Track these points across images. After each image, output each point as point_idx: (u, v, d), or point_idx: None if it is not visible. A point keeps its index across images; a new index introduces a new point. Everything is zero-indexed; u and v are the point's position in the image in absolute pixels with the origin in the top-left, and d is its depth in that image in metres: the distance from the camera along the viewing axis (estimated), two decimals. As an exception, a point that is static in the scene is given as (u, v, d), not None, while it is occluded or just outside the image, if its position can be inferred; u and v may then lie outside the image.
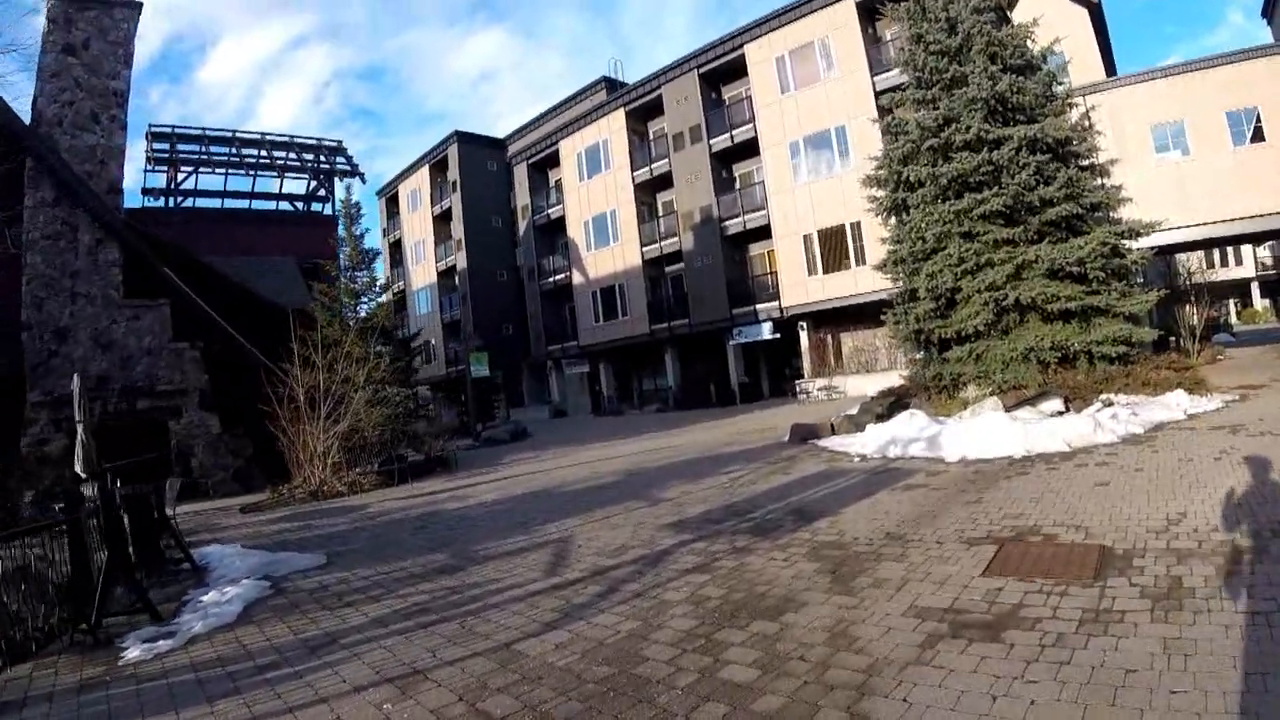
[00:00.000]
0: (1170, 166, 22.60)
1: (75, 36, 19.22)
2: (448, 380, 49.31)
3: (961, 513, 7.12)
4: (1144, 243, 15.98)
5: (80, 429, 8.92)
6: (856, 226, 27.96)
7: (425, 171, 52.87)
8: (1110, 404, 12.34)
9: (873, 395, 19.43)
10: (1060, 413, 12.50)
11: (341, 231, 22.68)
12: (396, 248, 58.22)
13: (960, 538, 6.20)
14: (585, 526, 9.03)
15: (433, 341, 50.64)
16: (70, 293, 18.74)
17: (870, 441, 12.09)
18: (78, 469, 7.94)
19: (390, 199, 59.31)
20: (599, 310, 38.71)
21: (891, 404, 15.84)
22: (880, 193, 17.81)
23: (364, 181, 35.89)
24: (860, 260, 27.93)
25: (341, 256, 21.83)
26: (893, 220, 17.95)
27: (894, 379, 23.70)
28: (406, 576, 7.55)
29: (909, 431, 11.67)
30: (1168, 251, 23.39)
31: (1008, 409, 12.83)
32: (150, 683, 5.10)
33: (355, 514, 13.09)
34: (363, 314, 20.95)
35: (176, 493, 12.89)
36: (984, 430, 10.72)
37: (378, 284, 22.28)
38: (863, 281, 27.46)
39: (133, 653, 5.79)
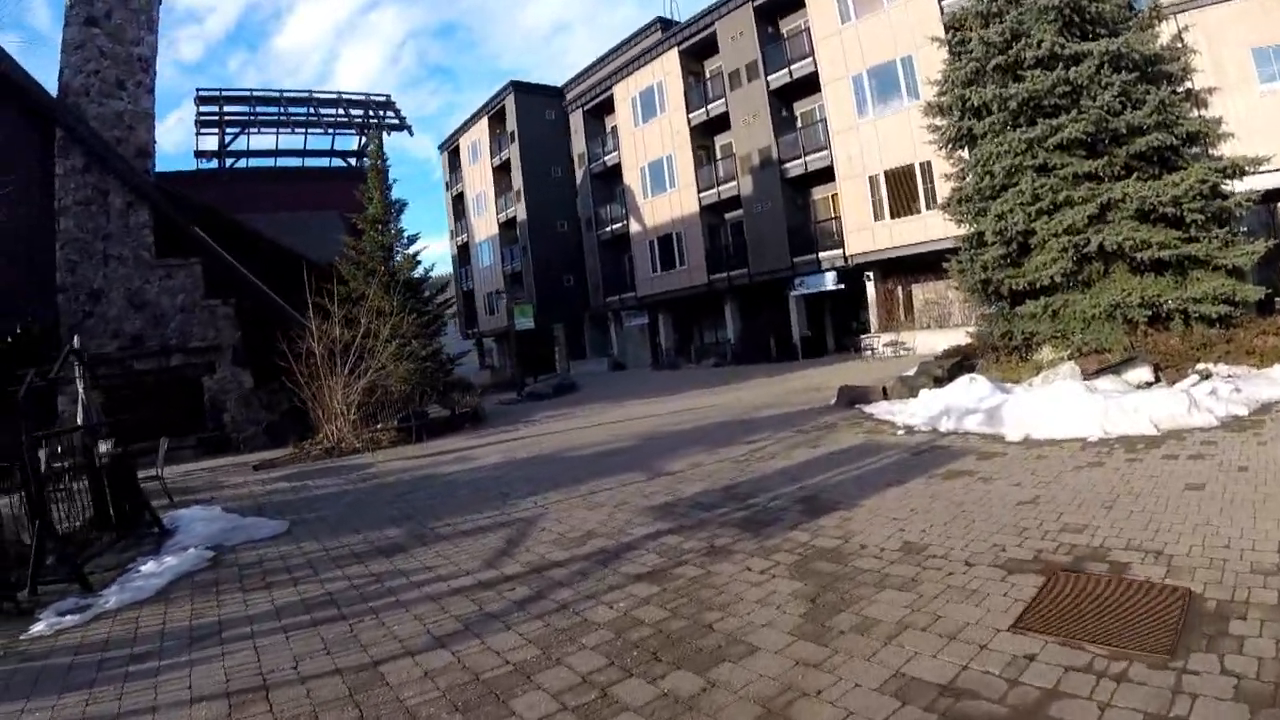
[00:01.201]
0: (1277, 98, 19.57)
1: (97, 8, 19.52)
2: (510, 332, 48.74)
3: (1008, 517, 5.51)
4: (1246, 184, 13.53)
5: (80, 388, 9.55)
6: (927, 166, 25.58)
7: (484, 123, 51.75)
8: (1208, 375, 10.27)
9: (939, 354, 17.55)
10: (1149, 384, 10.57)
11: (370, 183, 21.44)
12: (459, 201, 57.62)
13: (998, 557, 4.62)
14: (564, 504, 7.78)
15: (496, 293, 50.14)
16: (103, 255, 19.00)
17: (921, 410, 10.42)
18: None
19: (452, 152, 58.50)
20: (656, 260, 37.21)
21: (954, 366, 14.03)
22: (942, 121, 15.63)
23: (411, 134, 34.79)
24: (931, 203, 25.54)
25: (370, 209, 20.68)
26: (957, 154, 15.81)
27: (967, 336, 21.82)
28: (346, 555, 6.86)
29: (966, 400, 9.92)
30: (1274, 198, 20.39)
31: (1087, 376, 10.95)
32: (29, 663, 4.85)
33: (356, 474, 12.28)
34: (393, 268, 19.86)
35: (165, 452, 12.35)
36: (1054, 403, 8.91)
37: (405, 236, 21.03)
38: (934, 227, 25.14)
39: (39, 626, 5.60)
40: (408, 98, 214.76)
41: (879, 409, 11.79)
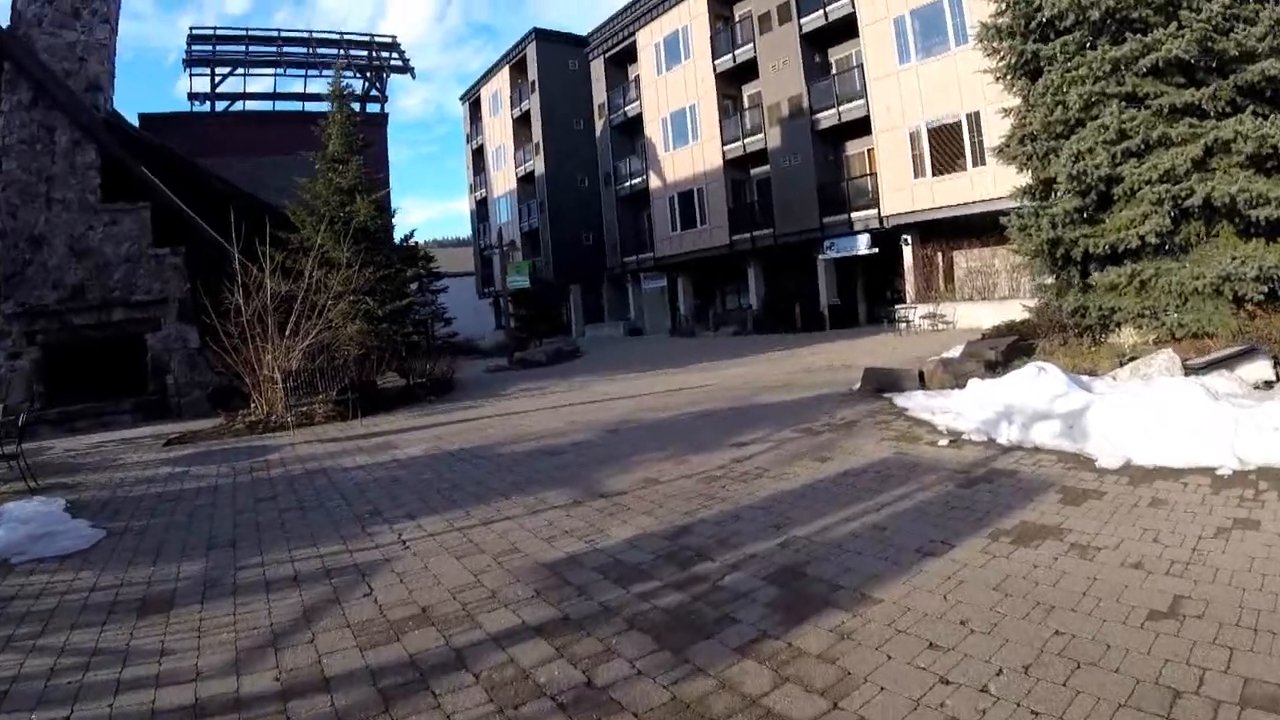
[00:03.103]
0: None
1: (51, -67, 17.61)
2: (512, 293, 46.45)
3: (1138, 651, 2.89)
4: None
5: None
6: (974, 119, 22.46)
7: (505, 73, 48.95)
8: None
9: (986, 332, 14.77)
10: (1267, 383, 7.82)
11: (331, 119, 18.61)
12: (479, 155, 55.14)
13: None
14: (434, 542, 5.29)
15: (513, 250, 47.76)
16: (46, 198, 17.10)
17: (971, 408, 7.68)
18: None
19: (473, 104, 55.85)
20: (676, 217, 34.42)
21: (1010, 347, 11.26)
22: (1001, 45, 12.56)
23: (414, 77, 32.09)
24: (979, 159, 22.49)
25: (330, 146, 17.95)
26: (1018, 86, 12.81)
27: (1016, 311, 19.07)
28: (102, 605, 4.62)
29: (1036, 399, 7.13)
30: None
31: (1188, 370, 8.18)
32: None
33: (250, 460, 9.95)
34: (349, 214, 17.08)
35: (23, 420, 10.18)
36: (1161, 410, 6.15)
37: (366, 181, 18.02)
38: (981, 186, 22.15)
39: None
40: (451, 56, 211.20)
41: (914, 402, 9.05)
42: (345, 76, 32.80)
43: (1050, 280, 13.02)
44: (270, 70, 32.27)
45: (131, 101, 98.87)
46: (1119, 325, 11.16)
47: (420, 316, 40.55)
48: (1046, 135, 11.69)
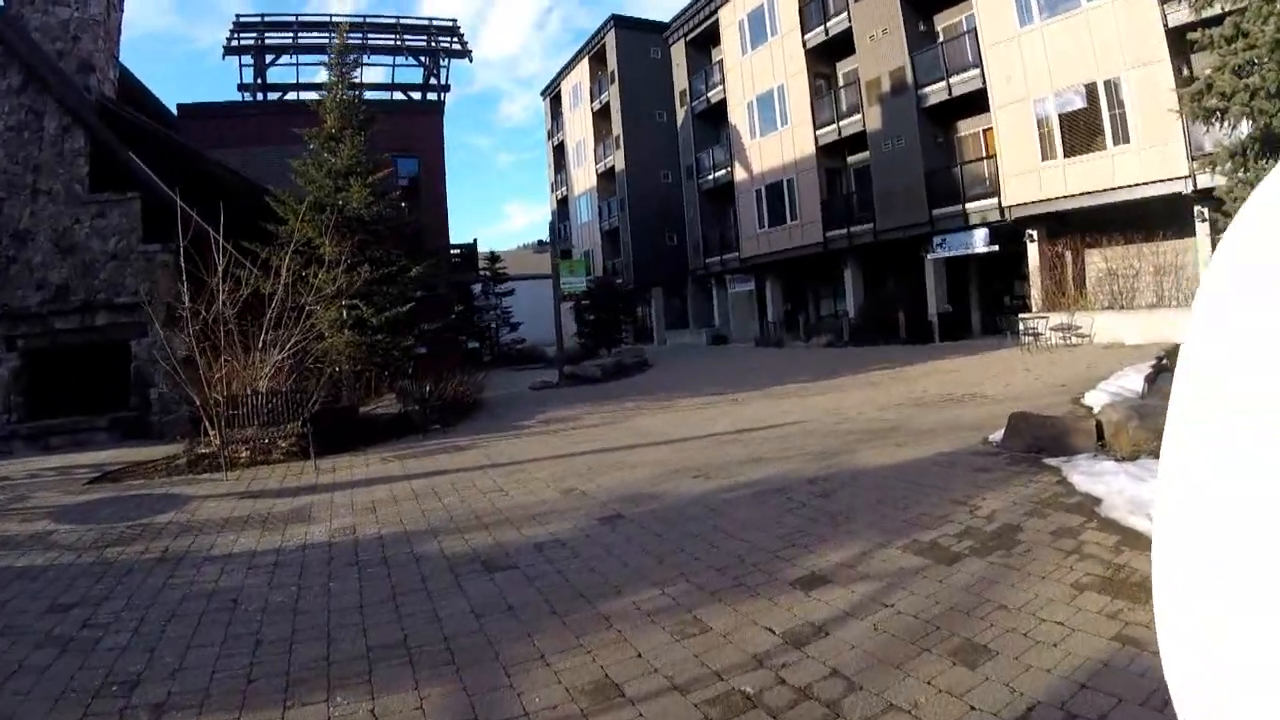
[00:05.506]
0: None
1: (46, -97, 15.94)
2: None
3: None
4: None
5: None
6: (1113, 86, 18.49)
7: (585, 64, 46.74)
8: None
9: (1163, 350, 11.24)
10: None
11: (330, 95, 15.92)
12: (560, 152, 53.19)
13: None
14: None
15: (592, 251, 45.45)
16: (32, 190, 15.38)
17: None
18: None
19: (554, 99, 54.00)
20: (763, 212, 31.11)
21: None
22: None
23: (470, 61, 29.74)
24: (1120, 137, 18.56)
25: (329, 122, 15.37)
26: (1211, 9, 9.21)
27: (1170, 320, 15.81)
28: None
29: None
30: None
31: None
32: None
33: (140, 518, 7.35)
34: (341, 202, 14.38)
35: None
36: None
37: (366, 160, 15.46)
38: (1125, 169, 18.28)
39: None
40: (555, 62, 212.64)
41: (1105, 485, 5.59)
42: (406, 63, 31.16)
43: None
44: (320, 58, 30.54)
45: (196, 94, 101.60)
46: None
47: (485, 322, 38.78)
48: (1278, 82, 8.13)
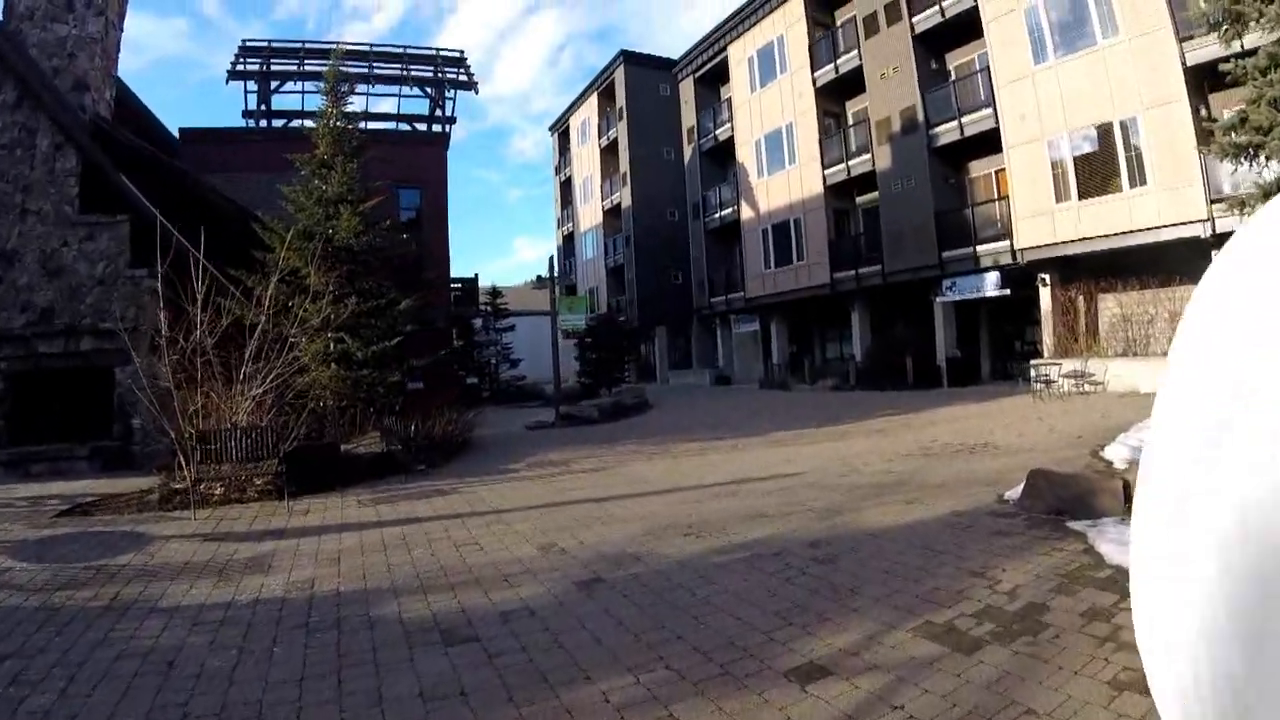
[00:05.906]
0: None
1: (47, -80, 15.91)
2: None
3: None
4: None
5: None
6: (1129, 126, 18.10)
7: (594, 100, 46.77)
8: None
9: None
10: None
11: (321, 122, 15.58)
12: (567, 187, 53.12)
13: None
14: None
15: (597, 288, 45.15)
16: (21, 209, 14.97)
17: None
18: None
19: (562, 134, 54.02)
20: (769, 252, 30.67)
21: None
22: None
23: (476, 93, 29.45)
24: (1137, 179, 18.12)
25: (320, 148, 15.01)
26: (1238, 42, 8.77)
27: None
28: None
29: None
30: None
31: None
32: None
33: (102, 559, 6.79)
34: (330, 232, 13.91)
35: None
36: None
37: (358, 188, 15.03)
38: (1141, 212, 17.83)
39: None
40: (563, 98, 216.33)
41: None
42: (411, 94, 31.02)
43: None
44: (316, 83, 30.46)
45: (206, 120, 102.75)
46: None
47: (485, 358, 38.28)
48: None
